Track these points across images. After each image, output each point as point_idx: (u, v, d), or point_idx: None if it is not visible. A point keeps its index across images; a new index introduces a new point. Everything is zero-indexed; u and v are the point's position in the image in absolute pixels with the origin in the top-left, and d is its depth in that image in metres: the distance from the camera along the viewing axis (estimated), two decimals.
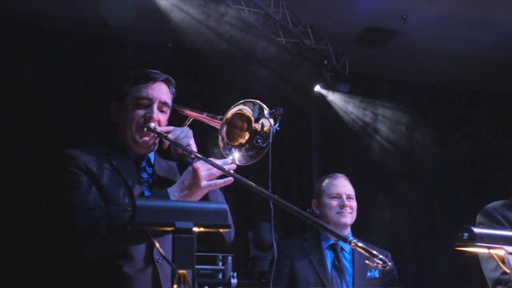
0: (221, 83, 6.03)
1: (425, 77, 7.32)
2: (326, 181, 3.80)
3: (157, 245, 1.64)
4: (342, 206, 3.64)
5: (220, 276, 5.38)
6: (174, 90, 2.68)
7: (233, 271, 5.17)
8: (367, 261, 1.69)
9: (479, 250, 1.98)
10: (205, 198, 2.43)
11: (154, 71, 2.63)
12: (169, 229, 1.60)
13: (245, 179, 2.12)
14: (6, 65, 5.53)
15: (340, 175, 3.84)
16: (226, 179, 2.35)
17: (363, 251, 1.71)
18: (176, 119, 2.69)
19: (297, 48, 6.42)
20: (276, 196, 2.00)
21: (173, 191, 2.35)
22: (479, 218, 3.15)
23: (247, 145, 2.51)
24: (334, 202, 3.67)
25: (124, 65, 5.50)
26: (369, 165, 7.00)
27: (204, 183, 2.32)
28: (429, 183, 7.29)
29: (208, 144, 3.35)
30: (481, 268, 3.11)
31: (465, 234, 1.93)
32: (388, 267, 1.68)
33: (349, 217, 3.66)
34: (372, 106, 7.00)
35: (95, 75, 5.71)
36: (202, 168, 2.33)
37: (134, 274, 2.33)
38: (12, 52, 5.58)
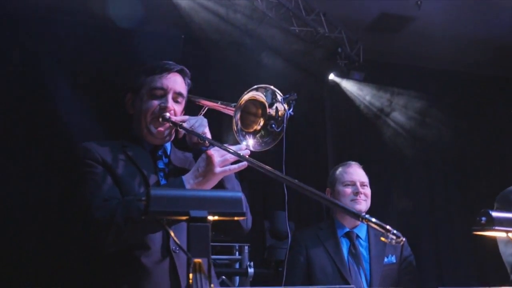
0: (234, 73, 6.01)
1: (440, 62, 7.25)
2: (340, 169, 3.81)
3: (172, 234, 1.64)
4: (356, 193, 3.64)
5: (237, 265, 5.39)
6: (189, 81, 2.70)
7: (250, 261, 5.19)
8: (382, 238, 1.67)
9: (497, 234, 1.97)
10: (221, 186, 2.44)
11: (169, 62, 2.66)
12: (184, 218, 1.60)
13: (260, 163, 2.11)
14: (16, 59, 5.55)
15: (354, 163, 3.84)
16: (240, 164, 2.35)
17: (376, 226, 1.70)
18: (191, 110, 2.70)
19: (310, 36, 6.38)
20: (292, 179, 2.00)
21: (188, 179, 2.36)
22: (496, 203, 3.13)
23: (262, 132, 2.52)
24: (348, 190, 3.67)
25: (137, 57, 5.50)
26: (384, 152, 6.97)
27: (218, 169, 2.33)
28: (446, 169, 7.25)
29: (222, 133, 3.35)
30: (498, 253, 3.10)
31: (483, 218, 1.92)
32: (402, 242, 1.66)
33: (364, 204, 3.66)
34: (387, 93, 6.95)
35: (107, 68, 5.71)
36: (216, 154, 2.34)
37: (151, 265, 2.34)
38: (22, 46, 5.59)
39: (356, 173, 3.76)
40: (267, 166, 2.07)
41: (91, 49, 5.71)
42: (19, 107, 5.47)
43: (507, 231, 1.91)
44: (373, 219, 1.72)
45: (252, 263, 5.10)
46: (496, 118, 7.29)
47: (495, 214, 1.92)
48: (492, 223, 1.90)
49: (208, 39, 5.93)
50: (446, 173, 7.27)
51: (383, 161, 6.91)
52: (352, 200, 3.64)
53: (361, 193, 3.65)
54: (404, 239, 1.65)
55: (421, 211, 6.98)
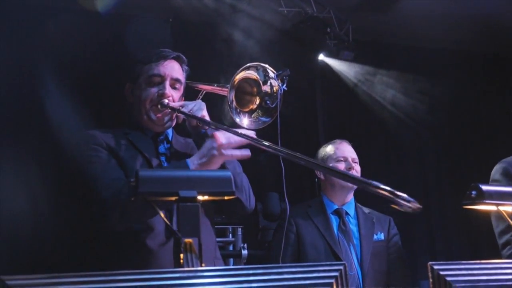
0: (223, 55, 5.99)
1: (429, 40, 7.25)
2: (330, 146, 3.81)
3: (162, 215, 1.63)
4: (349, 168, 3.64)
5: (231, 247, 5.40)
6: (186, 67, 2.76)
7: (243, 242, 5.20)
8: (392, 205, 1.61)
9: (487, 207, 1.98)
10: (222, 167, 2.47)
11: (166, 49, 2.72)
12: (173, 198, 1.60)
13: (263, 141, 2.13)
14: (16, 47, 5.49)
15: (343, 140, 3.83)
16: (244, 152, 2.39)
17: (386, 193, 1.61)
18: (192, 98, 2.75)
19: (299, 17, 6.35)
20: (301, 155, 1.99)
21: (193, 160, 2.40)
22: (494, 173, 3.11)
23: (258, 110, 2.58)
24: (341, 166, 3.66)
25: (125, 42, 5.48)
26: (376, 129, 6.97)
27: (222, 151, 2.37)
28: (437, 143, 7.27)
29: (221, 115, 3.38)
30: (492, 228, 3.11)
31: (473, 192, 1.92)
32: (417, 208, 1.59)
33: None
34: (377, 72, 6.95)
35: (96, 55, 5.67)
36: (222, 136, 2.37)
37: (156, 247, 2.39)
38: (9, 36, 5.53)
39: (347, 149, 3.76)
40: (271, 144, 2.08)
41: (78, 36, 5.65)
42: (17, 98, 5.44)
43: (497, 204, 1.91)
44: (382, 186, 1.65)
45: (245, 245, 5.11)
46: (487, 95, 7.32)
47: (485, 187, 1.92)
48: (482, 196, 1.90)
49: (196, 21, 5.89)
50: (438, 149, 7.29)
51: (374, 138, 6.93)
52: None
53: (353, 169, 3.66)
54: (419, 206, 1.57)
55: (413, 187, 7.01)
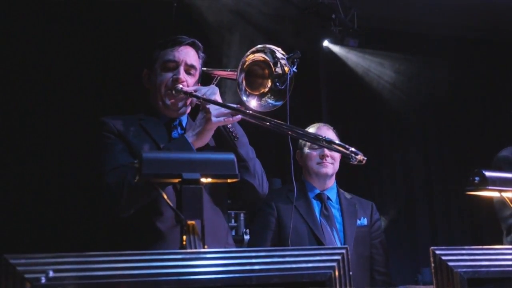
0: (228, 40, 5.97)
1: (435, 27, 7.22)
2: (309, 131, 3.75)
3: (165, 196, 1.64)
4: (322, 156, 3.56)
5: (233, 232, 5.40)
6: (203, 54, 2.79)
7: (246, 228, 5.20)
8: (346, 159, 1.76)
9: (490, 193, 1.97)
10: (235, 151, 2.42)
11: (182, 36, 2.75)
12: (176, 180, 1.60)
13: (256, 114, 2.16)
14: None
15: (323, 124, 3.76)
16: (235, 116, 2.47)
17: (339, 147, 1.88)
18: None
19: (304, 3, 6.32)
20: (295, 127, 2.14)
21: (188, 134, 2.49)
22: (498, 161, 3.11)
23: (269, 94, 2.59)
24: (314, 153, 3.60)
25: (129, 26, 5.47)
26: (379, 115, 6.96)
27: (214, 119, 2.44)
28: (441, 128, 7.27)
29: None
30: (493, 214, 3.11)
31: (477, 178, 1.92)
32: (363, 161, 1.74)
33: (330, 168, 3.58)
34: (381, 57, 6.92)
35: (100, 38, 5.65)
36: (212, 107, 2.45)
37: (166, 230, 2.44)
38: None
39: (324, 134, 3.69)
40: (265, 117, 2.11)
41: (82, 19, 5.63)
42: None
43: (500, 191, 1.91)
44: (333, 140, 1.92)
45: (248, 230, 5.11)
46: (490, 80, 7.30)
47: (488, 173, 1.92)
48: (486, 182, 1.90)
49: (201, 6, 5.86)
50: (441, 134, 7.28)
51: (377, 124, 6.91)
52: (318, 163, 3.57)
53: (328, 156, 3.56)
54: (365, 158, 1.74)
55: (416, 171, 7.00)
